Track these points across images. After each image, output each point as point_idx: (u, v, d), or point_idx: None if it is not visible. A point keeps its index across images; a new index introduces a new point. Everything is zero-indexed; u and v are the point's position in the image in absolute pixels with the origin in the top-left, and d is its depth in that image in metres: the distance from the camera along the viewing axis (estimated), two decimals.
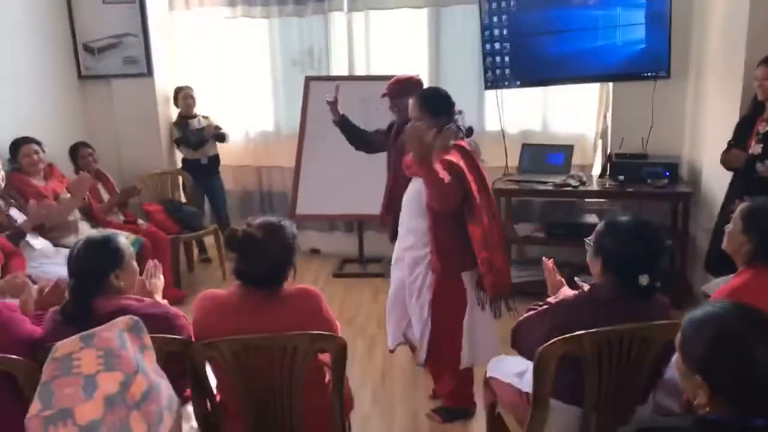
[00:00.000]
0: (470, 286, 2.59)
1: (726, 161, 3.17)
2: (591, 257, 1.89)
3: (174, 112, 4.90)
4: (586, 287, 1.88)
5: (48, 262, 3.32)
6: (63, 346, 1.10)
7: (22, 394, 1.77)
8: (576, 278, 2.07)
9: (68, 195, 3.67)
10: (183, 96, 4.72)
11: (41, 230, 3.44)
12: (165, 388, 1.18)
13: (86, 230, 3.69)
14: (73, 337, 1.11)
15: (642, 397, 1.86)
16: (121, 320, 1.15)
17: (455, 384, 2.73)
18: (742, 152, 3.05)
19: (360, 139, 3.40)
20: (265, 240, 1.84)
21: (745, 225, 1.91)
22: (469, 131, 2.68)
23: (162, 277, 2.19)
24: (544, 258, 2.21)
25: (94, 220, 3.92)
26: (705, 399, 1.11)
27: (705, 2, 3.83)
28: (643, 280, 1.75)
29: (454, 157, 2.48)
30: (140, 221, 4.28)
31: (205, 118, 4.81)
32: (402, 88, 3.10)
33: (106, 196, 4.22)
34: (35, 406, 1.21)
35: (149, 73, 4.79)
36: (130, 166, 4.82)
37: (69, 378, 1.05)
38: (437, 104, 2.59)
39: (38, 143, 3.72)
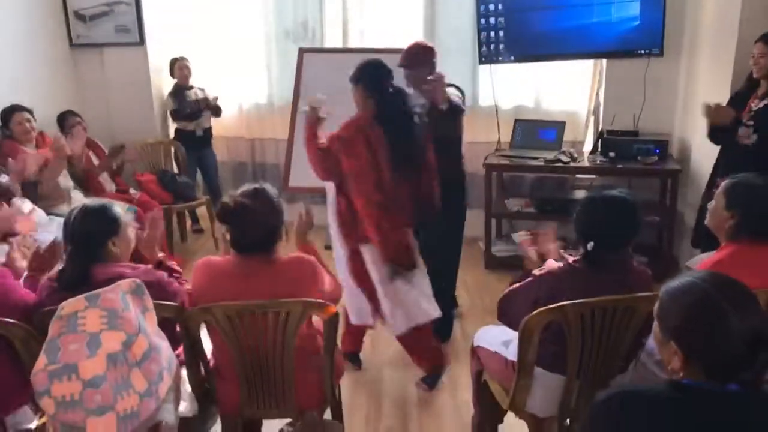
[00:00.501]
0: (370, 257, 2.62)
1: (714, 116, 3.08)
2: (575, 235, 1.95)
3: (170, 84, 4.87)
4: (571, 259, 1.92)
5: (41, 230, 3.33)
6: (69, 305, 1.14)
7: (18, 358, 1.81)
8: (561, 251, 2.11)
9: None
10: (179, 67, 4.68)
11: (34, 198, 3.45)
12: (165, 349, 1.22)
13: (79, 199, 3.70)
14: (79, 296, 1.15)
15: (623, 365, 1.92)
16: (125, 282, 1.19)
17: (415, 348, 2.81)
18: (729, 108, 3.03)
19: None
20: (255, 206, 1.90)
21: (727, 201, 1.95)
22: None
23: (161, 225, 2.22)
24: (519, 236, 2.26)
25: (87, 188, 3.93)
26: (679, 365, 1.16)
27: None
28: (589, 246, 1.81)
29: (343, 133, 2.53)
30: (132, 191, 4.29)
31: (201, 89, 4.79)
32: (421, 56, 2.89)
33: (97, 163, 4.21)
34: (41, 361, 1.25)
35: (141, 42, 4.74)
36: (122, 135, 4.80)
37: (74, 335, 1.09)
38: (357, 73, 2.59)
39: (30, 111, 3.71)
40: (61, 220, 3.40)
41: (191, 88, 4.73)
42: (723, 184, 2.02)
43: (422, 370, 2.89)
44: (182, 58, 4.71)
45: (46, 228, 3.36)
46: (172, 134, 4.98)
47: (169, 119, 4.92)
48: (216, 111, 4.76)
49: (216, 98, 4.73)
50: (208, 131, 4.83)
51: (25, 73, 4.20)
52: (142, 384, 1.10)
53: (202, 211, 4.91)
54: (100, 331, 1.08)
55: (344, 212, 2.60)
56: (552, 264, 1.95)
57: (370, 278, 2.65)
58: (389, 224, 2.52)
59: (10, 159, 3.44)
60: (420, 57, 2.91)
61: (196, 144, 4.78)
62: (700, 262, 2.07)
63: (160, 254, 2.16)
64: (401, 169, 2.56)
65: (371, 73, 2.58)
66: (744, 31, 3.21)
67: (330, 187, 2.70)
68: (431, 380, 2.86)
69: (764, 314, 1.13)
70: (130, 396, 1.10)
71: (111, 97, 4.86)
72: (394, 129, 2.54)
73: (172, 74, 4.74)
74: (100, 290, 1.13)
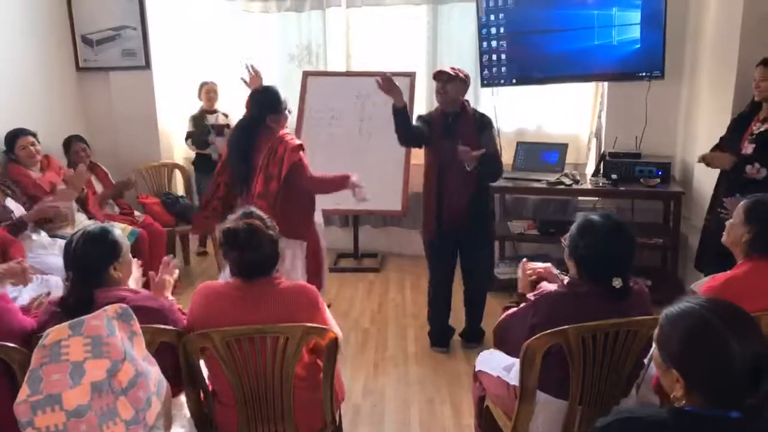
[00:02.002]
0: None
1: (710, 162, 3.15)
2: (567, 257, 1.93)
3: (174, 106, 4.90)
4: (566, 280, 1.91)
5: (44, 253, 3.33)
6: (52, 334, 1.13)
7: (17, 381, 1.80)
8: (556, 271, 2.10)
9: (64, 186, 3.69)
10: (206, 90, 4.72)
11: (39, 222, 3.46)
12: (154, 374, 1.20)
13: (83, 221, 3.71)
14: (62, 324, 1.14)
15: (626, 389, 1.90)
16: (111, 308, 1.18)
17: None
18: (726, 155, 3.06)
19: (411, 131, 3.21)
20: (261, 227, 1.92)
21: (746, 216, 1.95)
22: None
23: (176, 273, 2.21)
24: (524, 260, 2.23)
25: (88, 211, 3.94)
26: (681, 392, 1.14)
27: (700, 4, 3.86)
28: (617, 283, 1.79)
29: None
30: (137, 213, 4.30)
31: (225, 115, 4.80)
32: (456, 75, 3.12)
33: (99, 188, 4.22)
34: (24, 392, 1.23)
35: (147, 65, 4.80)
36: (127, 158, 4.84)
37: (57, 365, 1.08)
38: None
39: (34, 135, 3.74)
40: (63, 242, 3.41)
41: (215, 112, 4.76)
42: (743, 201, 2.02)
43: None
44: (210, 83, 4.74)
45: (49, 250, 3.37)
46: (176, 157, 5.01)
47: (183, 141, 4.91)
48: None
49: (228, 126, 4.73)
50: None
51: (31, 96, 4.25)
52: (129, 412, 1.09)
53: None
54: (84, 359, 1.07)
55: None
56: (546, 287, 1.94)
57: None
58: None
59: (50, 199, 3.46)
60: (455, 76, 3.12)
61: (211, 167, 4.76)
62: (705, 283, 2.05)
63: (171, 297, 2.15)
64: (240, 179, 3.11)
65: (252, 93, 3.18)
66: (743, 54, 3.23)
67: None
68: None
69: (765, 339, 1.12)
70: (117, 425, 1.09)
71: (117, 119, 4.91)
72: (232, 146, 3.17)
73: (199, 97, 4.76)
74: (84, 317, 1.12)
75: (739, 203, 2.03)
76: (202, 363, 1.92)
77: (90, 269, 1.86)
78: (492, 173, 3.25)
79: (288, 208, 3.01)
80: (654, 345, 1.22)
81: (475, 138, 3.12)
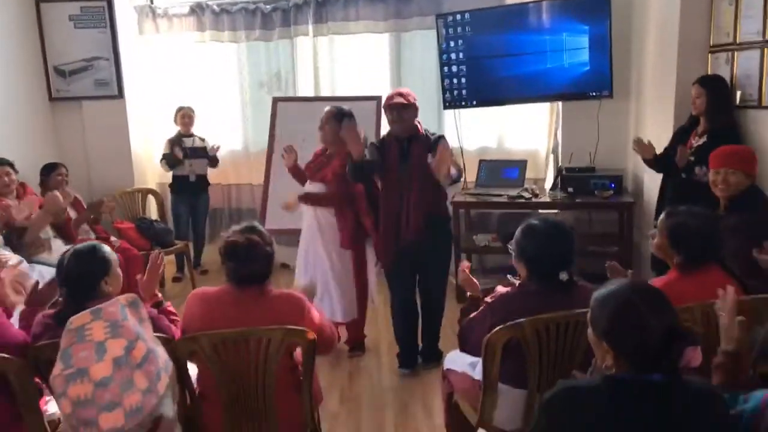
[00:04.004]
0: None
1: (642, 150, 3.52)
2: (515, 261, 2.12)
3: (148, 132, 5.03)
4: (517, 283, 2.11)
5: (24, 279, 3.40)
6: (76, 320, 1.30)
7: (12, 393, 1.90)
8: (508, 275, 2.29)
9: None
10: (181, 115, 4.85)
11: (18, 246, 3.54)
12: (161, 352, 1.38)
13: (60, 248, 3.78)
14: (84, 312, 1.30)
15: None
16: (123, 297, 1.36)
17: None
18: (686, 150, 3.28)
19: (366, 175, 3.34)
20: (260, 241, 2.08)
21: (671, 241, 2.10)
22: None
23: (162, 267, 2.36)
24: (463, 262, 2.43)
25: (67, 237, 4.02)
26: (611, 361, 1.34)
27: (642, 28, 4.17)
28: (563, 276, 2.00)
29: None
30: (113, 238, 4.38)
31: (202, 139, 4.94)
32: (409, 103, 3.17)
33: (74, 215, 4.29)
34: (57, 368, 1.41)
35: (120, 94, 4.93)
36: (100, 185, 4.94)
37: (83, 344, 1.25)
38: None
39: (11, 164, 3.81)
40: (42, 267, 3.49)
41: (191, 136, 4.89)
42: (663, 221, 2.15)
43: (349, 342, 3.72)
44: (186, 108, 4.88)
45: (28, 276, 3.44)
46: (150, 183, 5.12)
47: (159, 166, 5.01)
48: (212, 161, 4.92)
49: (215, 147, 4.88)
50: (202, 178, 4.97)
51: (3, 126, 4.33)
52: (144, 383, 1.26)
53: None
54: (105, 339, 1.25)
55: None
56: (501, 289, 2.13)
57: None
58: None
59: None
60: (411, 104, 3.19)
61: (188, 189, 4.91)
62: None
63: (159, 296, 2.28)
64: None
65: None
66: (681, 74, 3.53)
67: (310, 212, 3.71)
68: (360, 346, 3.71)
69: (676, 313, 1.33)
70: (135, 393, 1.25)
71: (90, 148, 5.01)
72: None
73: (175, 122, 4.89)
74: (101, 305, 1.30)
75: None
76: (190, 365, 2.06)
77: (83, 284, 1.98)
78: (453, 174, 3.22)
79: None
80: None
81: (426, 158, 3.16)
